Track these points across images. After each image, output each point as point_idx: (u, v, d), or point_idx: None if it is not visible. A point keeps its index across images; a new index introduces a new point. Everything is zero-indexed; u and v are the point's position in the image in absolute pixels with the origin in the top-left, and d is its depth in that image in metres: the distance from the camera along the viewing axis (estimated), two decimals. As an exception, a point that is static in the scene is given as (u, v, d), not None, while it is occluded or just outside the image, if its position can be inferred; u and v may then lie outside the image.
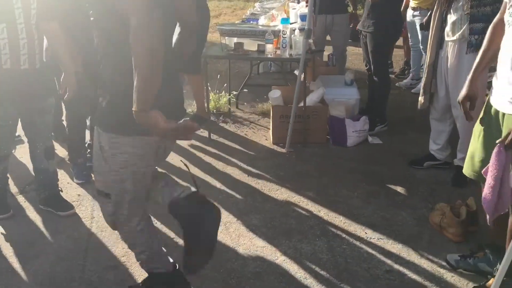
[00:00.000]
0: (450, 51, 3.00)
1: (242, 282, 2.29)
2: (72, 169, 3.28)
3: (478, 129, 2.05)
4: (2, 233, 2.66)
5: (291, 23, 4.06)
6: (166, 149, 1.93)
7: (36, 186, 2.94)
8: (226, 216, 2.85)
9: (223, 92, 4.72)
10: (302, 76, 3.66)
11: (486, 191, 1.84)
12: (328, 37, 5.02)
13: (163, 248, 2.08)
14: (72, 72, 2.65)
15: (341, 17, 4.81)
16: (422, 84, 3.30)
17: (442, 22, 3.02)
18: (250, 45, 4.01)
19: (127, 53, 1.51)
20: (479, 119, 2.05)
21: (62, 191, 2.98)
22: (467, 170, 2.13)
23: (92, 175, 3.06)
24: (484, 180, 1.88)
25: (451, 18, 2.94)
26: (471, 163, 2.09)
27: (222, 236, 2.65)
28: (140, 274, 2.32)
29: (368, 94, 4.36)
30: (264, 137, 4.10)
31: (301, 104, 3.80)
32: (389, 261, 2.44)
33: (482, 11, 2.82)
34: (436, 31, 3.07)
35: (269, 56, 3.81)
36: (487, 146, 1.95)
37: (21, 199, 3.03)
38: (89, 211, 2.89)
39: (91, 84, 2.81)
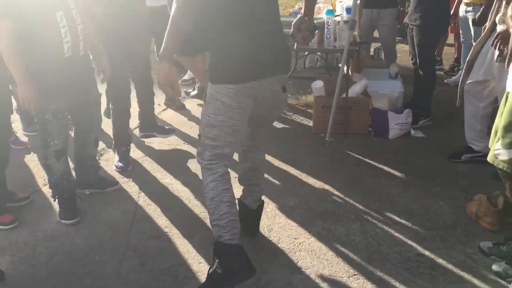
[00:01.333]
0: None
1: (276, 257, 2.39)
2: (115, 153, 3.40)
3: (501, 109, 2.14)
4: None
5: (336, 15, 4.12)
6: (264, 109, 2.19)
7: (80, 172, 2.97)
8: (263, 197, 2.96)
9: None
10: (345, 67, 3.71)
11: None
12: (376, 34, 5.02)
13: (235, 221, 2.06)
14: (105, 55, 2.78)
15: (388, 11, 4.77)
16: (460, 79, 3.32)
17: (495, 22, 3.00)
18: (296, 37, 4.10)
19: (205, 11, 1.96)
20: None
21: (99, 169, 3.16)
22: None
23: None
24: None
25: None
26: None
27: (259, 215, 2.77)
28: (180, 244, 2.49)
29: (414, 88, 4.33)
30: (306, 127, 4.18)
31: (344, 95, 3.85)
32: (421, 246, 2.47)
33: None
34: (488, 31, 3.05)
35: (313, 47, 3.89)
36: None
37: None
38: (137, 188, 3.10)
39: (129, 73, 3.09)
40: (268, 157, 3.56)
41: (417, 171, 3.32)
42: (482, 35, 3.13)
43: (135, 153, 3.58)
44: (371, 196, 2.99)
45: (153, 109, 3.85)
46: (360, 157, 3.57)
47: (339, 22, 3.89)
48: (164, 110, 4.64)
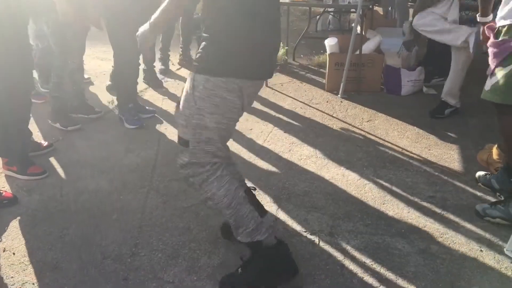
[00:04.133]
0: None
1: (292, 198, 2.49)
2: (122, 116, 3.38)
3: None
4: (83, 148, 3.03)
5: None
6: (249, 101, 1.82)
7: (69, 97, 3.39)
8: (279, 147, 3.06)
9: (281, 44, 4.86)
10: (359, 27, 3.73)
11: None
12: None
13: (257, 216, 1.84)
14: None
15: None
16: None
17: None
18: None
19: None
20: None
21: (88, 100, 3.58)
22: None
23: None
24: None
25: None
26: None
27: (275, 162, 2.87)
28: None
29: (428, 46, 4.34)
30: (319, 85, 4.24)
31: (357, 52, 3.89)
32: (432, 189, 2.56)
33: None
34: None
35: (328, 2, 3.91)
36: None
37: (95, 123, 3.39)
38: (157, 137, 3.20)
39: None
40: (282, 114, 3.64)
41: (429, 124, 3.39)
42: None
43: (152, 106, 3.68)
44: (383, 146, 3.07)
45: (137, 84, 3.57)
46: (372, 111, 3.63)
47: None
48: (178, 69, 4.71)
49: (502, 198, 2.35)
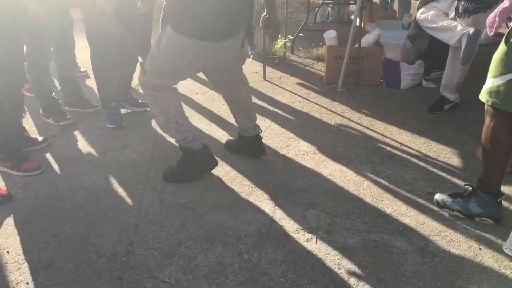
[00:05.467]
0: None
1: (290, 195, 2.47)
2: (105, 113, 3.29)
3: None
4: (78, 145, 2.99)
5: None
6: (224, 57, 2.37)
7: (65, 93, 3.44)
8: (276, 142, 3.03)
9: (279, 37, 4.81)
10: (358, 19, 3.68)
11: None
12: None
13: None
14: None
15: None
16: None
17: None
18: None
19: None
20: None
21: (84, 94, 3.54)
22: None
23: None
24: None
25: None
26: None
27: (272, 158, 2.84)
28: (197, 182, 2.57)
29: (430, 40, 4.29)
30: (317, 79, 4.20)
31: (356, 45, 3.84)
32: (431, 186, 2.53)
33: None
34: None
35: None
36: None
37: (92, 118, 3.36)
38: (153, 132, 3.16)
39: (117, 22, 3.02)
40: (279, 108, 3.61)
41: (428, 119, 3.36)
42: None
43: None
44: (381, 141, 3.05)
45: (132, 78, 3.53)
46: (371, 105, 3.60)
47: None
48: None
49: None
